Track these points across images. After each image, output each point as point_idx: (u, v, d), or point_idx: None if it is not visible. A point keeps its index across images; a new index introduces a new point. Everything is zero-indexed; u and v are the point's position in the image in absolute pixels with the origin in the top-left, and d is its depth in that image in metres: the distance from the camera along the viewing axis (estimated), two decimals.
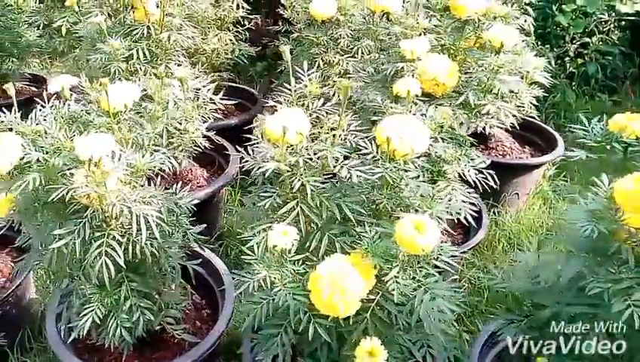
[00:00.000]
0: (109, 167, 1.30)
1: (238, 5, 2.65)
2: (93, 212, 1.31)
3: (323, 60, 2.33)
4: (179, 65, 2.20)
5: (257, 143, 1.34)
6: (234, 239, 2.44)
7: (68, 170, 1.32)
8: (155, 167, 1.43)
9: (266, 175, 1.22)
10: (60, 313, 1.70)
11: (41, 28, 2.91)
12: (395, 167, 1.26)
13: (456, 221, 1.68)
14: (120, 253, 1.33)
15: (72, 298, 1.57)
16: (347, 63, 2.35)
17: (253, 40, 3.01)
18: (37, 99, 1.50)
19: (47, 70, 4.01)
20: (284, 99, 1.38)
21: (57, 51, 2.92)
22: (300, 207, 1.28)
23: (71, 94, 1.51)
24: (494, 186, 1.81)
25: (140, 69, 2.09)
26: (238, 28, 2.78)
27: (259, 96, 3.03)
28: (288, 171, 1.26)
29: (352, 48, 2.34)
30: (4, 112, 1.43)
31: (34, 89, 3.39)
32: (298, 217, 1.28)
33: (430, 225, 1.18)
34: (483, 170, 1.77)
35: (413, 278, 1.24)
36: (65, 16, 2.77)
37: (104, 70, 2.04)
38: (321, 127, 1.30)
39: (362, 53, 2.33)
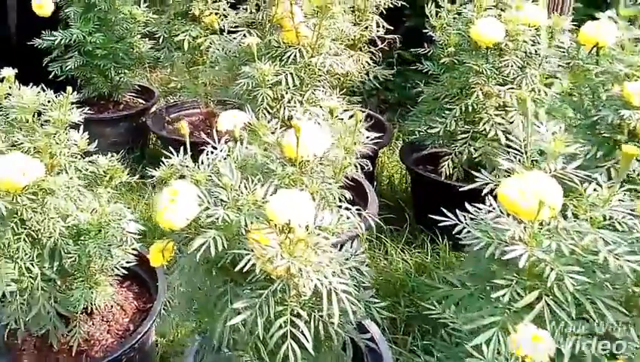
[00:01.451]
0: (304, 233, 1.07)
1: (378, 23, 2.41)
2: (282, 284, 1.09)
3: (482, 91, 2.06)
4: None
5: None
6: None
7: (247, 229, 1.10)
8: (343, 229, 1.19)
9: (520, 265, 0.95)
10: None
11: (160, 41, 2.76)
12: None
13: None
14: (307, 335, 1.10)
15: None
16: (508, 95, 2.07)
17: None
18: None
19: (147, 79, 3.92)
20: (514, 156, 1.11)
21: (176, 66, 2.78)
22: (545, 301, 1.00)
23: (240, 135, 1.30)
24: None
25: (285, 95, 1.88)
26: (370, 48, 2.53)
27: (387, 124, 2.77)
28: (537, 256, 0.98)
29: (515, 78, 2.06)
30: (172, 154, 1.23)
31: (142, 101, 3.28)
32: (542, 313, 1.00)
33: None
34: None
35: None
36: (187, 30, 2.64)
37: (248, 96, 1.84)
38: (578, 199, 1.01)
39: (527, 84, 2.05)
